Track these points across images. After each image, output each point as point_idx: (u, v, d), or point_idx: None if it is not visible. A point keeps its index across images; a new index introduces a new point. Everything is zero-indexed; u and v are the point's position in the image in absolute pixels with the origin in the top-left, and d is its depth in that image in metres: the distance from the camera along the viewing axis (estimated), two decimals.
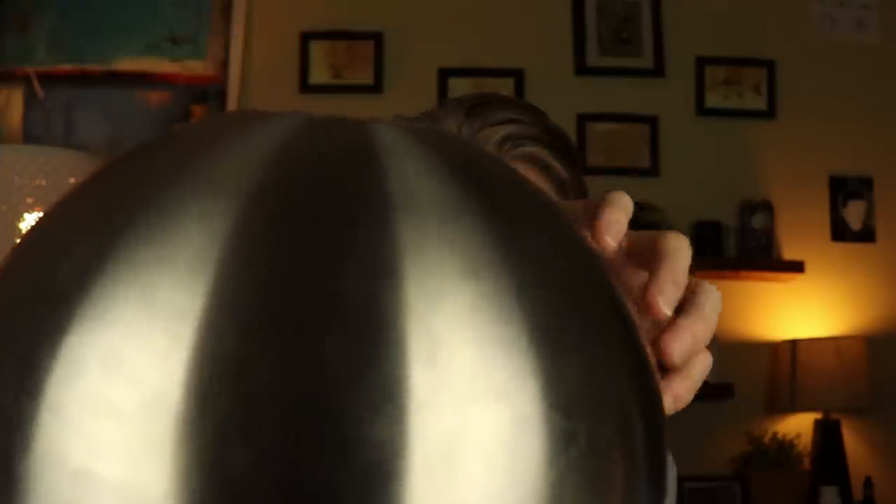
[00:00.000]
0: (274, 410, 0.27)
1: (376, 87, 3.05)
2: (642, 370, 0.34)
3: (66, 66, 3.00)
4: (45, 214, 0.34)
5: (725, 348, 2.96)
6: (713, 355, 3.11)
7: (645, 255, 0.46)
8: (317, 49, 3.06)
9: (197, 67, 3.03)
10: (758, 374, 3.02)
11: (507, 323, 0.30)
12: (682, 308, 0.44)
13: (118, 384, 0.28)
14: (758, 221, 3.00)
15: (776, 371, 3.01)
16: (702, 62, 3.11)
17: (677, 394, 0.44)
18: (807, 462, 2.93)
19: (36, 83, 2.99)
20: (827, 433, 2.89)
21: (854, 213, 3.08)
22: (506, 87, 3.06)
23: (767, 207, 3.00)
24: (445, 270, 0.29)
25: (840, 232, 3.07)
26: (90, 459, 0.27)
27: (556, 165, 0.89)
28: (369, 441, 0.27)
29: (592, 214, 0.46)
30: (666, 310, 0.42)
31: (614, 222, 0.45)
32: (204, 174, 0.31)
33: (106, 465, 0.27)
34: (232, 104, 3.01)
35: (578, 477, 0.29)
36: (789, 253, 3.04)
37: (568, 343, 0.31)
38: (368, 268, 0.29)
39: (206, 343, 0.27)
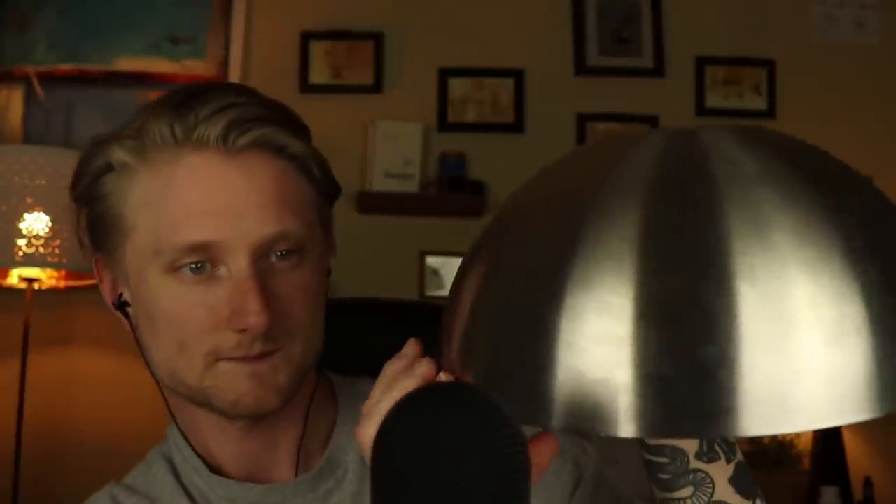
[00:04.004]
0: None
1: (376, 87, 3.05)
2: None
3: (66, 66, 3.00)
4: (519, 196, 0.64)
5: None
6: None
7: None
8: (317, 49, 3.06)
9: (197, 67, 3.03)
10: None
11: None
12: None
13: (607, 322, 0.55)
14: None
15: None
16: (702, 62, 3.11)
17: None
18: (807, 462, 2.92)
19: (36, 83, 2.99)
20: (827, 433, 2.89)
21: None
22: (506, 87, 3.06)
23: None
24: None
25: None
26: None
27: (291, 142, 0.87)
28: None
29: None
30: None
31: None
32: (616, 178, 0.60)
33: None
34: None
35: None
36: None
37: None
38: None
39: (647, 280, 0.55)
